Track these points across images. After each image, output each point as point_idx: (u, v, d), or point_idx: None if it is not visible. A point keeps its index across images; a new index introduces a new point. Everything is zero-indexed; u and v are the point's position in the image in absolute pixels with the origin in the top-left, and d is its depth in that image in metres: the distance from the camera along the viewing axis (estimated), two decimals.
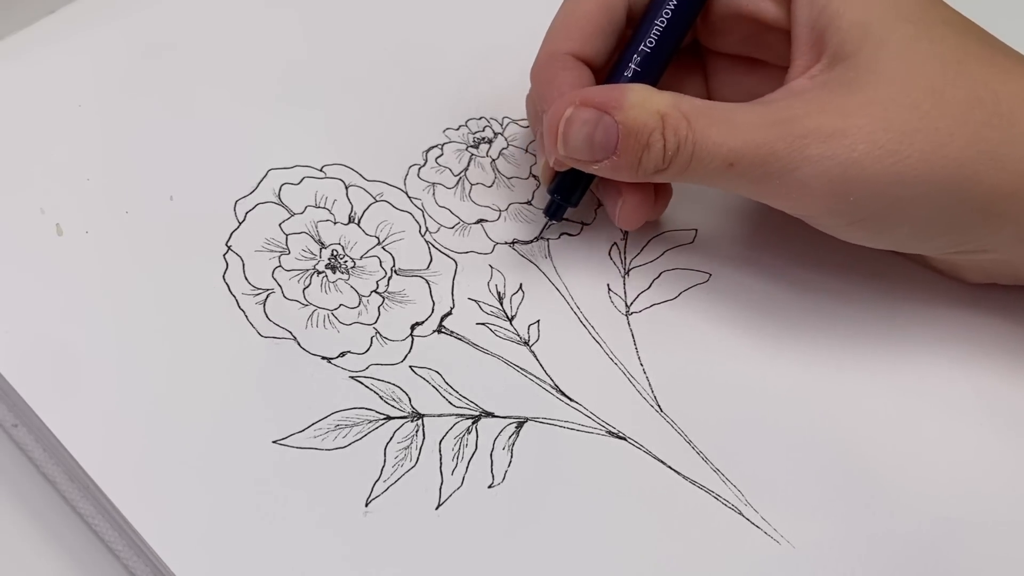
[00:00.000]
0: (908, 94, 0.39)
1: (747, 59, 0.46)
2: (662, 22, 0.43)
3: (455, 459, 0.41)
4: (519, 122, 0.48)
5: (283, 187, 0.45)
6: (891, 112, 0.39)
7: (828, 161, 0.39)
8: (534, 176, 0.47)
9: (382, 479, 0.40)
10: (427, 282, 0.44)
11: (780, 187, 0.40)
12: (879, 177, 0.39)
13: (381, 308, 0.43)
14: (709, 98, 0.46)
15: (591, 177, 0.44)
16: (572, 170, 0.43)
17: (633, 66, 0.43)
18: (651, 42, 0.43)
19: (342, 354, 0.42)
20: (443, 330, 0.43)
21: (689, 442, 0.42)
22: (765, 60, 0.45)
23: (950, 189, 0.39)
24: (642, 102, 0.40)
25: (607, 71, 0.44)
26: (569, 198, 0.44)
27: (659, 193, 0.44)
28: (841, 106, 0.40)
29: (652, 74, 0.43)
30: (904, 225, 0.41)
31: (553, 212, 0.45)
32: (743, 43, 0.45)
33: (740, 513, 0.41)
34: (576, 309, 0.44)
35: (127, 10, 0.48)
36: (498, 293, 0.44)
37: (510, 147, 0.47)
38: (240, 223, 0.44)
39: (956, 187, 0.39)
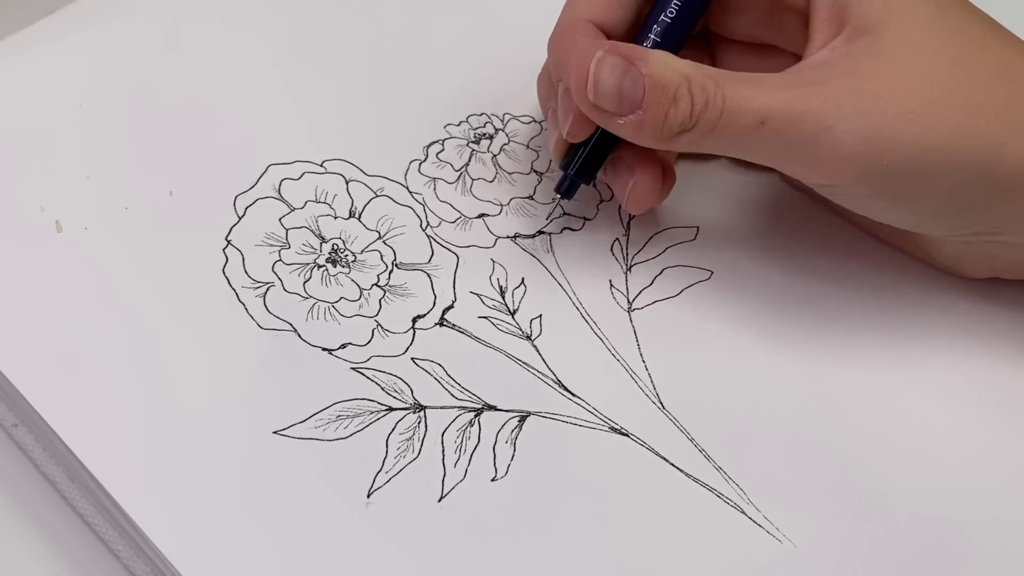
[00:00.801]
0: (936, 64, 0.39)
1: (756, 46, 0.45)
2: None
3: (457, 452, 0.40)
4: (520, 118, 0.48)
5: (283, 182, 0.45)
6: (922, 80, 0.39)
7: (863, 120, 0.39)
8: (535, 171, 0.47)
9: (384, 470, 0.39)
10: (428, 276, 0.44)
11: (812, 149, 0.39)
12: (912, 142, 0.39)
13: (382, 301, 0.43)
14: None
15: (606, 152, 0.43)
16: (588, 145, 0.43)
17: (653, 36, 0.42)
18: (671, 12, 0.42)
19: (343, 346, 0.42)
20: (445, 323, 0.43)
21: (691, 439, 0.41)
22: (776, 45, 0.45)
23: (977, 161, 0.39)
24: (666, 61, 0.40)
25: (627, 40, 0.43)
26: (583, 174, 0.44)
27: (665, 175, 0.44)
28: (872, 71, 0.40)
29: (672, 44, 0.42)
30: (928, 198, 0.40)
31: (566, 190, 0.44)
32: (756, 25, 0.45)
33: (742, 511, 0.40)
34: (578, 304, 0.44)
35: (127, 10, 0.48)
36: (500, 287, 0.44)
37: (511, 143, 0.47)
38: (240, 218, 0.44)
39: (983, 159, 0.39)
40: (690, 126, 0.40)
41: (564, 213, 0.46)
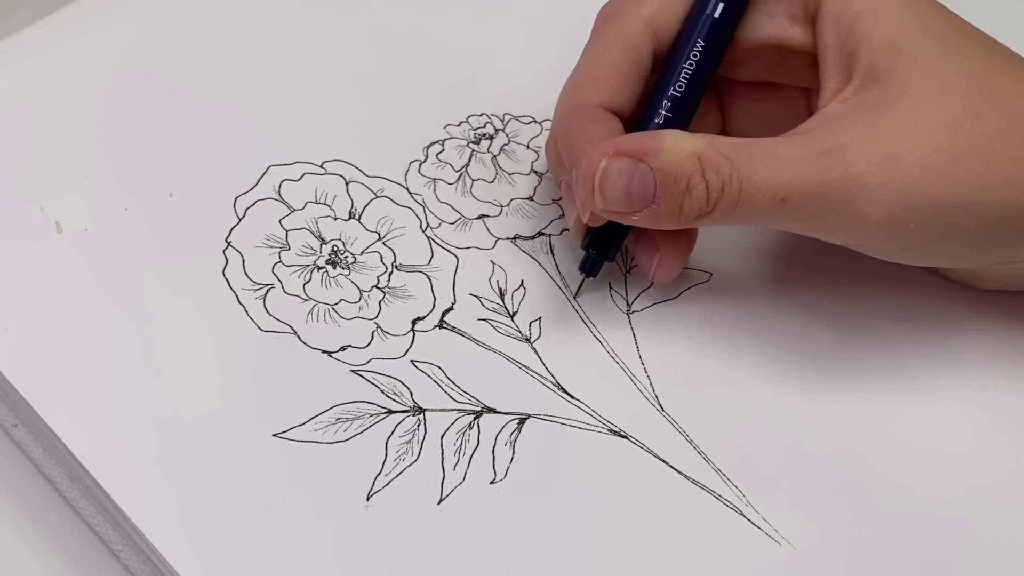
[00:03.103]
0: (948, 114, 0.39)
1: (763, 84, 0.45)
2: (691, 64, 0.41)
3: (457, 454, 0.40)
4: (520, 119, 0.48)
5: (283, 183, 0.45)
6: (937, 134, 0.39)
7: (886, 188, 0.38)
8: (535, 172, 0.47)
9: (383, 473, 0.40)
10: (428, 277, 0.44)
11: (837, 219, 0.39)
12: (936, 200, 0.38)
13: (382, 303, 0.43)
14: (724, 126, 0.45)
15: (627, 229, 0.42)
16: (607, 225, 0.42)
17: (664, 112, 0.41)
18: (680, 86, 0.41)
19: (343, 348, 0.42)
20: (444, 325, 0.43)
21: (690, 442, 0.41)
22: (785, 84, 0.44)
23: (1000, 207, 0.39)
24: (676, 146, 0.39)
25: (635, 119, 0.42)
26: (605, 253, 0.43)
27: (688, 236, 0.43)
28: (887, 130, 0.39)
29: (683, 118, 0.42)
30: (953, 245, 0.40)
31: (589, 268, 0.43)
32: (764, 71, 0.44)
33: (741, 513, 0.40)
34: (577, 307, 0.44)
35: (126, 10, 0.48)
36: (499, 289, 0.44)
37: (511, 143, 0.47)
38: (240, 219, 0.44)
39: (1005, 205, 0.39)
40: (708, 211, 0.39)
41: (563, 214, 0.46)
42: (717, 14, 0.41)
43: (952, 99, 0.39)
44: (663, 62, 0.42)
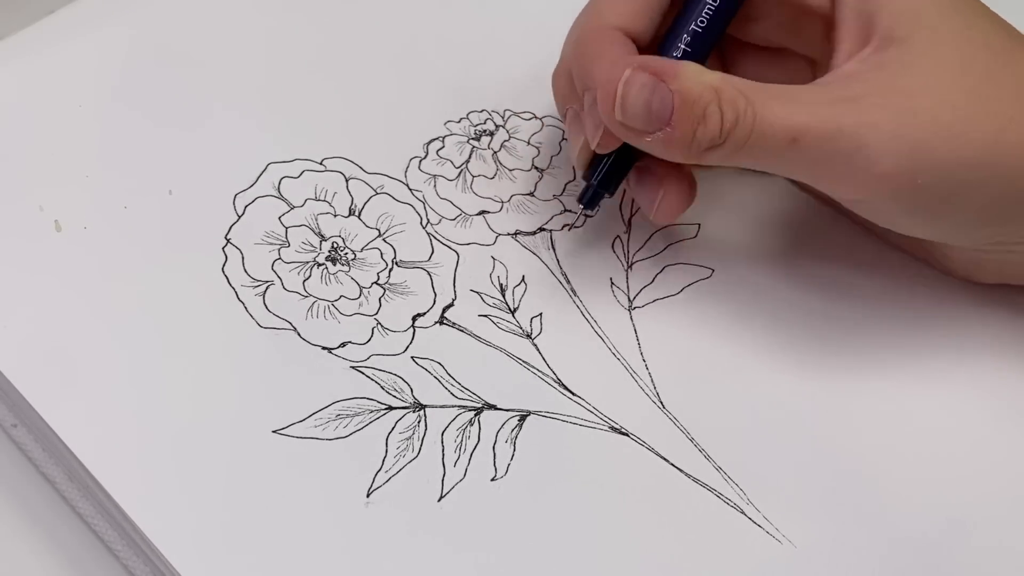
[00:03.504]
0: (967, 78, 0.39)
1: (769, 50, 0.45)
2: (714, 1, 0.42)
3: (457, 451, 0.40)
4: (520, 114, 0.48)
5: (283, 180, 0.45)
6: (954, 95, 0.39)
7: (899, 140, 0.38)
8: (536, 168, 0.46)
9: (384, 470, 0.39)
10: (429, 274, 0.44)
11: (845, 167, 0.39)
12: (947, 158, 0.39)
13: (382, 299, 0.43)
14: None
15: (630, 164, 0.42)
16: (613, 155, 0.42)
17: (683, 45, 0.42)
18: (702, 22, 0.42)
19: (343, 344, 0.42)
20: (445, 321, 0.43)
21: (691, 439, 0.41)
22: (792, 49, 0.44)
23: (1009, 175, 0.39)
24: (696, 75, 0.39)
25: (652, 50, 0.42)
26: (608, 185, 0.43)
27: (690, 184, 0.43)
28: (905, 86, 0.39)
29: (701, 54, 0.42)
30: (960, 213, 0.40)
31: (589, 200, 0.43)
32: (776, 30, 0.44)
33: (742, 511, 0.40)
34: (579, 303, 0.44)
35: (126, 10, 0.48)
36: (500, 285, 0.44)
37: (512, 139, 0.47)
38: (239, 217, 0.44)
39: (1015, 173, 0.39)
40: (719, 142, 0.39)
41: (565, 210, 0.46)
42: None
43: (971, 66, 0.39)
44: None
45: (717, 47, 0.44)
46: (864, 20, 0.41)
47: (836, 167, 0.39)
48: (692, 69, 0.40)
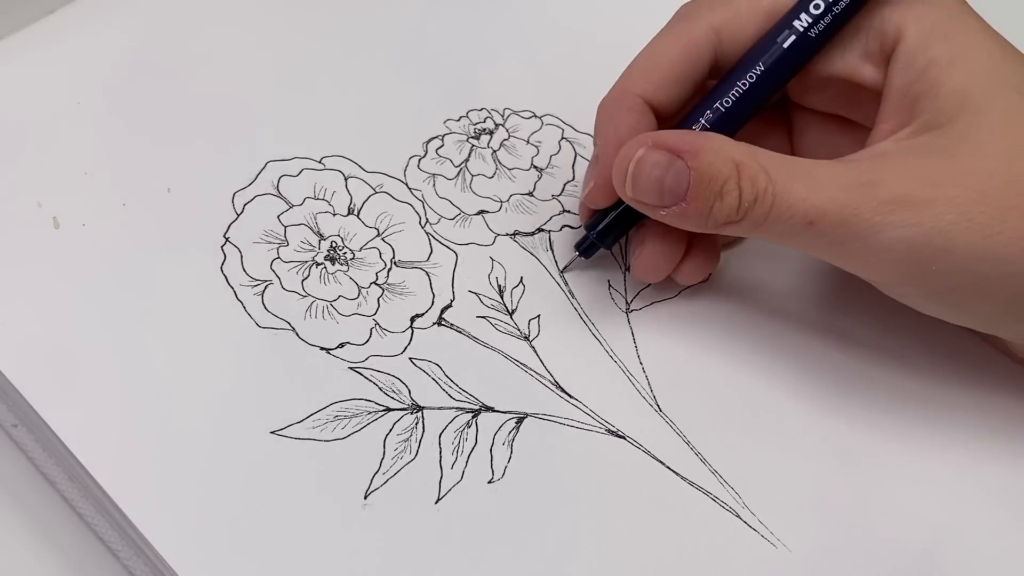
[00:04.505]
0: (1007, 168, 0.38)
1: (837, 117, 0.44)
2: (744, 84, 0.41)
3: (455, 453, 0.40)
4: (520, 113, 0.47)
5: (282, 179, 0.45)
6: (987, 185, 0.37)
7: (913, 228, 0.37)
8: (535, 167, 0.46)
9: (381, 471, 0.40)
10: (427, 274, 0.44)
11: (859, 250, 0.38)
12: (966, 250, 0.37)
13: (381, 300, 0.43)
14: (793, 154, 0.43)
15: (633, 222, 0.42)
16: (617, 213, 0.42)
17: (704, 121, 0.41)
18: (728, 102, 0.41)
19: (341, 345, 0.42)
20: (443, 323, 0.43)
21: (688, 442, 0.41)
22: (855, 120, 0.43)
23: None
24: (718, 149, 0.39)
25: (677, 120, 0.42)
26: (605, 239, 0.43)
27: (707, 252, 0.43)
28: (932, 174, 0.38)
29: (728, 131, 0.41)
30: (985, 305, 0.39)
31: (585, 250, 0.44)
32: (834, 102, 0.43)
33: (737, 515, 0.40)
34: (576, 305, 0.44)
35: (126, 9, 0.48)
36: (499, 286, 0.44)
37: (511, 138, 0.47)
38: (238, 215, 0.44)
39: None
40: (736, 219, 0.39)
41: (564, 210, 0.46)
42: (787, 45, 0.41)
43: (1016, 155, 0.38)
44: (721, 76, 0.42)
45: (784, 113, 0.43)
46: (909, 101, 0.40)
47: (851, 250, 0.38)
48: (715, 142, 0.39)
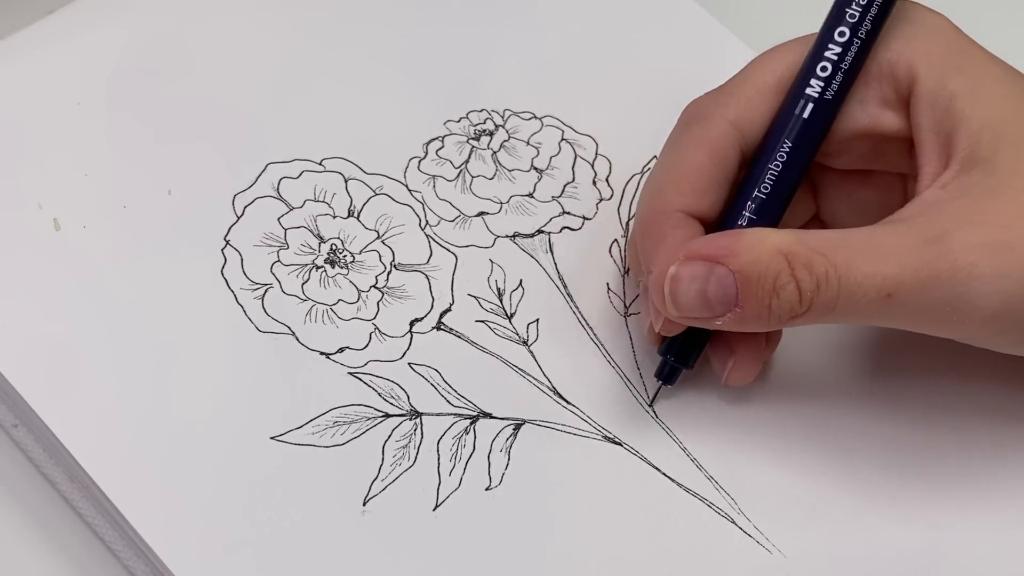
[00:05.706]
0: None
1: (860, 171, 0.42)
2: (777, 165, 0.39)
3: (453, 460, 0.40)
4: (520, 114, 0.47)
5: (282, 181, 0.45)
6: None
7: (1002, 279, 0.36)
8: (535, 168, 0.46)
9: (380, 478, 0.40)
10: (427, 277, 0.44)
11: (948, 313, 0.36)
12: None
13: (380, 303, 0.43)
14: (818, 212, 0.43)
15: (707, 334, 0.40)
16: (687, 331, 0.40)
17: (748, 213, 0.39)
18: (766, 187, 0.39)
19: (341, 350, 0.42)
20: (442, 327, 0.43)
21: (684, 449, 0.42)
22: (880, 170, 0.42)
23: None
24: (759, 243, 0.37)
25: (718, 222, 0.40)
26: (685, 360, 0.41)
27: (769, 336, 0.41)
28: (994, 216, 0.37)
29: (769, 220, 0.40)
30: None
31: (667, 376, 0.41)
32: (860, 160, 0.42)
33: (733, 521, 0.41)
34: (575, 308, 0.44)
35: (126, 10, 0.48)
36: (498, 289, 0.44)
37: (511, 139, 0.47)
38: (239, 217, 0.44)
39: None
40: (802, 311, 0.37)
41: (563, 211, 0.46)
42: (807, 115, 0.40)
43: None
44: (749, 163, 0.41)
45: (807, 175, 0.42)
46: (943, 140, 0.38)
47: (938, 315, 0.37)
48: (754, 237, 0.37)
